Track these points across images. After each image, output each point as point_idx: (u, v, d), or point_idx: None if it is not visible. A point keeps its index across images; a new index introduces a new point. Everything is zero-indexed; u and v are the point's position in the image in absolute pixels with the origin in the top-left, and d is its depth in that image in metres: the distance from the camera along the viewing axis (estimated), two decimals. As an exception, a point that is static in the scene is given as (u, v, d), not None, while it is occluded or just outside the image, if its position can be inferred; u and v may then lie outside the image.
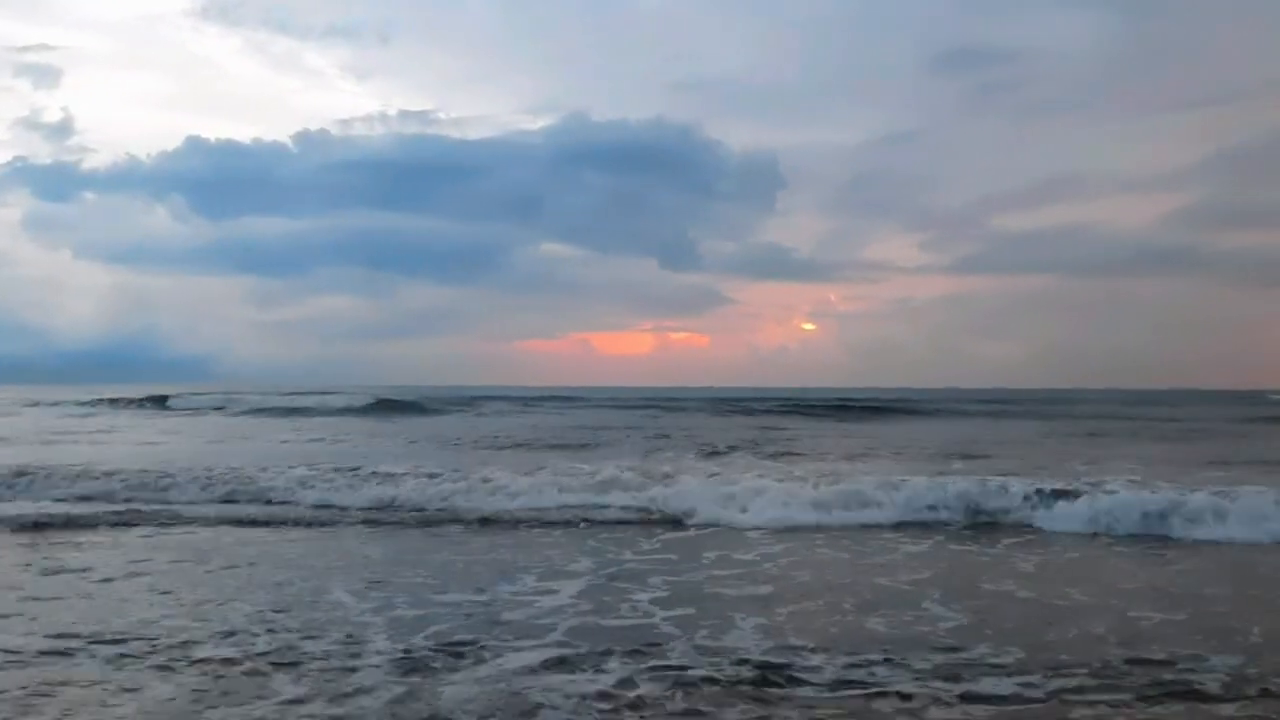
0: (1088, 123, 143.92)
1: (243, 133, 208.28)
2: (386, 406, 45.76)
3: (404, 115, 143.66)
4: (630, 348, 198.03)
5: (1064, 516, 12.18)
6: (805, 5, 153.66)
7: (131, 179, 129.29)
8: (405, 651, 6.40)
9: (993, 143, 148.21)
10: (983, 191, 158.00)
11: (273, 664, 6.15)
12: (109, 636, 6.75)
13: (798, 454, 22.36)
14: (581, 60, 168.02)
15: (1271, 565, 10.04)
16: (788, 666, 6.08)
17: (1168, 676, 5.93)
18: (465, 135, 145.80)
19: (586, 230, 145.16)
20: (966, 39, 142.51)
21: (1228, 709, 5.40)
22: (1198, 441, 27.58)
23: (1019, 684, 5.77)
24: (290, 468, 15.96)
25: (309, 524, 12.28)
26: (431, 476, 14.82)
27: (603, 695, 5.53)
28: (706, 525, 12.15)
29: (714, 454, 22.14)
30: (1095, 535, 11.58)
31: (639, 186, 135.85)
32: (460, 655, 6.34)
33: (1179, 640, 6.76)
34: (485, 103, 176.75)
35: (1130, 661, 6.26)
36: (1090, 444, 26.06)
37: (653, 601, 7.95)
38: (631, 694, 5.55)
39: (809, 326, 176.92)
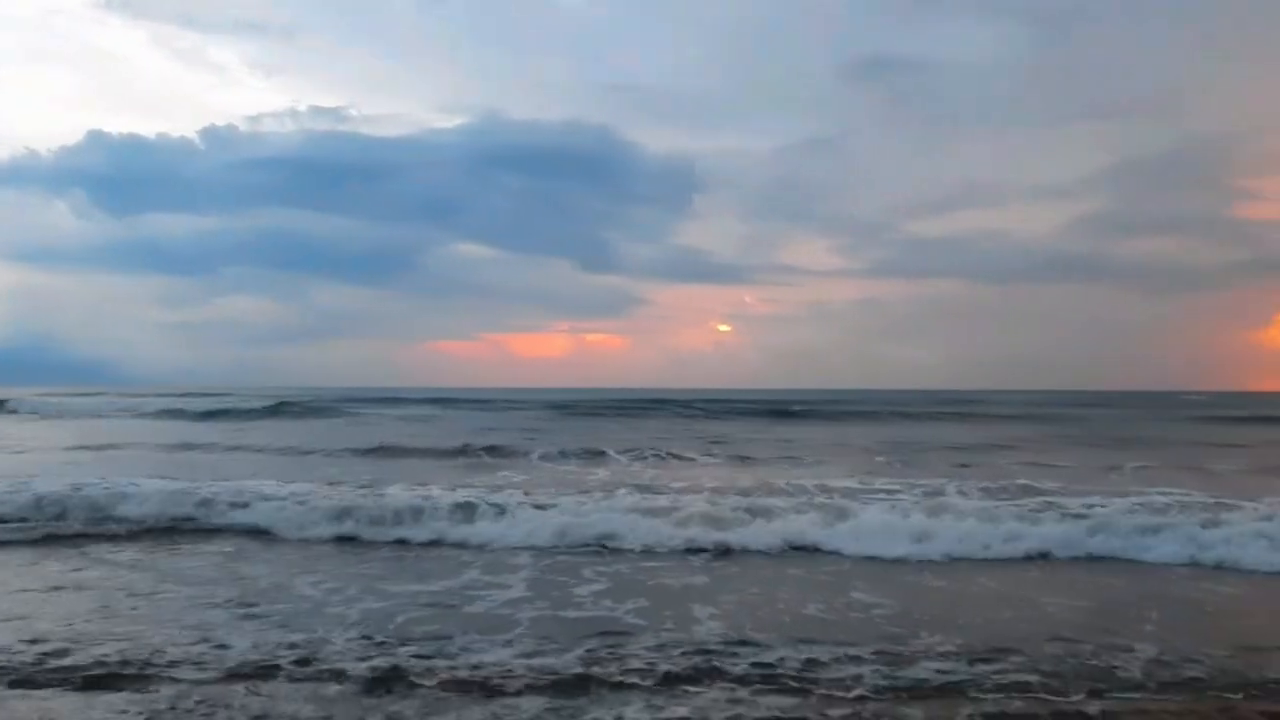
0: (995, 132, 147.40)
1: (147, 128, 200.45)
2: (281, 410, 43.31)
3: (315, 112, 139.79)
4: (545, 349, 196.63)
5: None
6: (722, 12, 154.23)
7: (30, 174, 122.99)
8: None
9: (905, 150, 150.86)
10: (895, 198, 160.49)
11: None
12: None
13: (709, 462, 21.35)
14: (497, 59, 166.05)
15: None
16: None
17: None
18: (378, 133, 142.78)
19: (502, 231, 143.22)
20: (879, 48, 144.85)
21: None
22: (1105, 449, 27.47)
23: None
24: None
25: None
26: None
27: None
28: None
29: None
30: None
31: (556, 188, 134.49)
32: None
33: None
34: (398, 101, 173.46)
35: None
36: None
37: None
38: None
39: (725, 329, 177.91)
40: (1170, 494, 14.11)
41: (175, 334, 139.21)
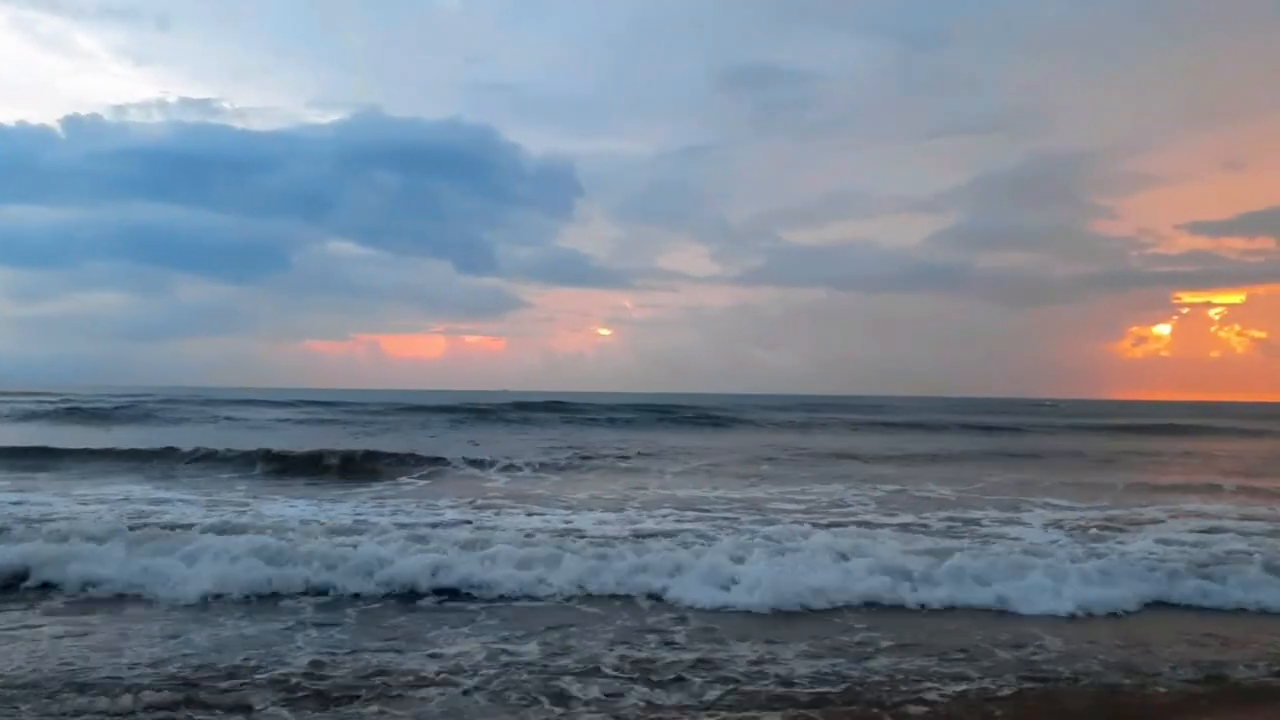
0: (864, 145, 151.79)
1: (6, 115, 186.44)
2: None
3: (184, 103, 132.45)
4: (421, 350, 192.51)
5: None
6: (603, 18, 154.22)
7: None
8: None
9: (779, 159, 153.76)
10: (769, 206, 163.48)
11: None
12: None
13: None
14: (375, 55, 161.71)
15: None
16: None
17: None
18: (250, 127, 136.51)
19: (378, 230, 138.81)
20: (755, 58, 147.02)
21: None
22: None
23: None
24: None
25: None
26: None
27: None
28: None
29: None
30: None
31: (434, 187, 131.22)
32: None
33: None
34: (272, 94, 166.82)
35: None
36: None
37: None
38: None
39: (605, 332, 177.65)
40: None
41: (29, 329, 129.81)
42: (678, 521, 12.37)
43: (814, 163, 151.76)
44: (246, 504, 13.77)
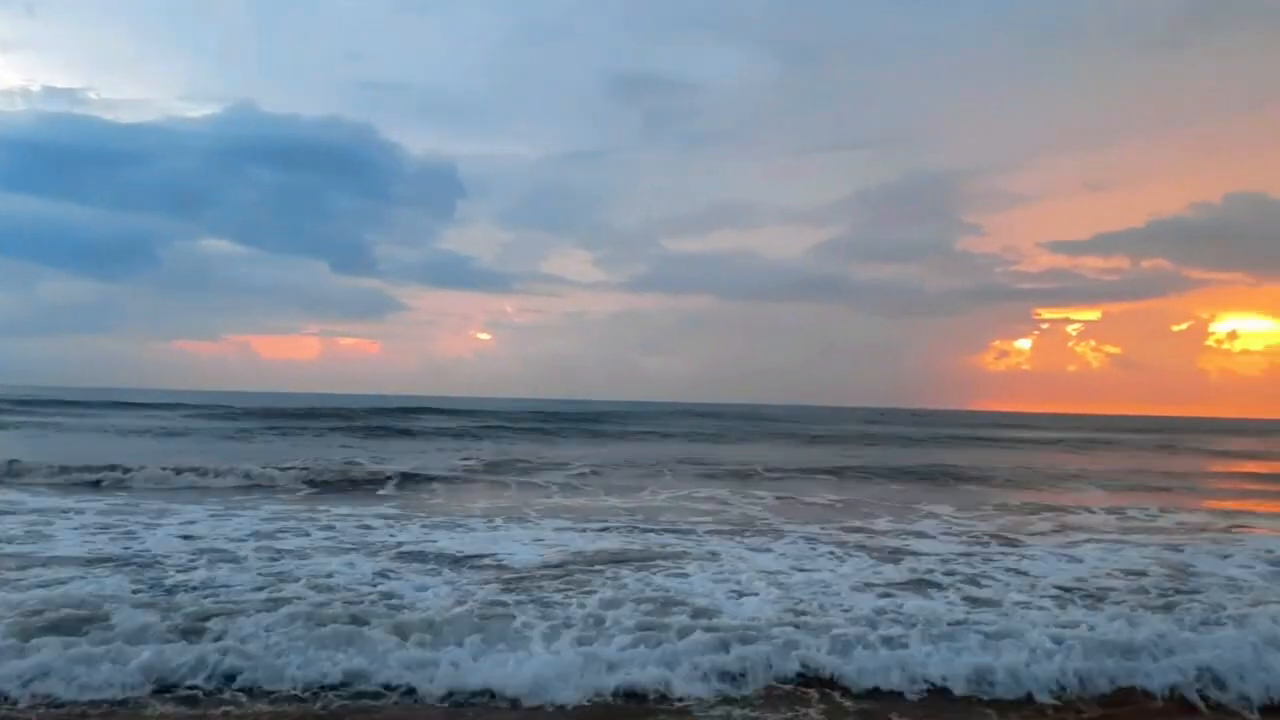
0: (749, 156, 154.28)
1: None
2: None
3: (49, 93, 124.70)
4: (295, 352, 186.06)
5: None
6: (487, 19, 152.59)
7: None
8: None
9: (664, 167, 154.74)
10: (655, 214, 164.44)
11: None
12: None
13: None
14: (252, 48, 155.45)
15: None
16: None
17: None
18: (119, 119, 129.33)
19: (253, 228, 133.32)
20: (641, 66, 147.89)
21: None
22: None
23: None
24: None
25: None
26: None
27: None
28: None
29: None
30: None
31: (311, 185, 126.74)
32: None
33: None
34: (143, 86, 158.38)
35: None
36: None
37: None
38: None
39: (485, 337, 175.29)
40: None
41: None
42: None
43: (699, 172, 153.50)
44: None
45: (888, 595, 8.92)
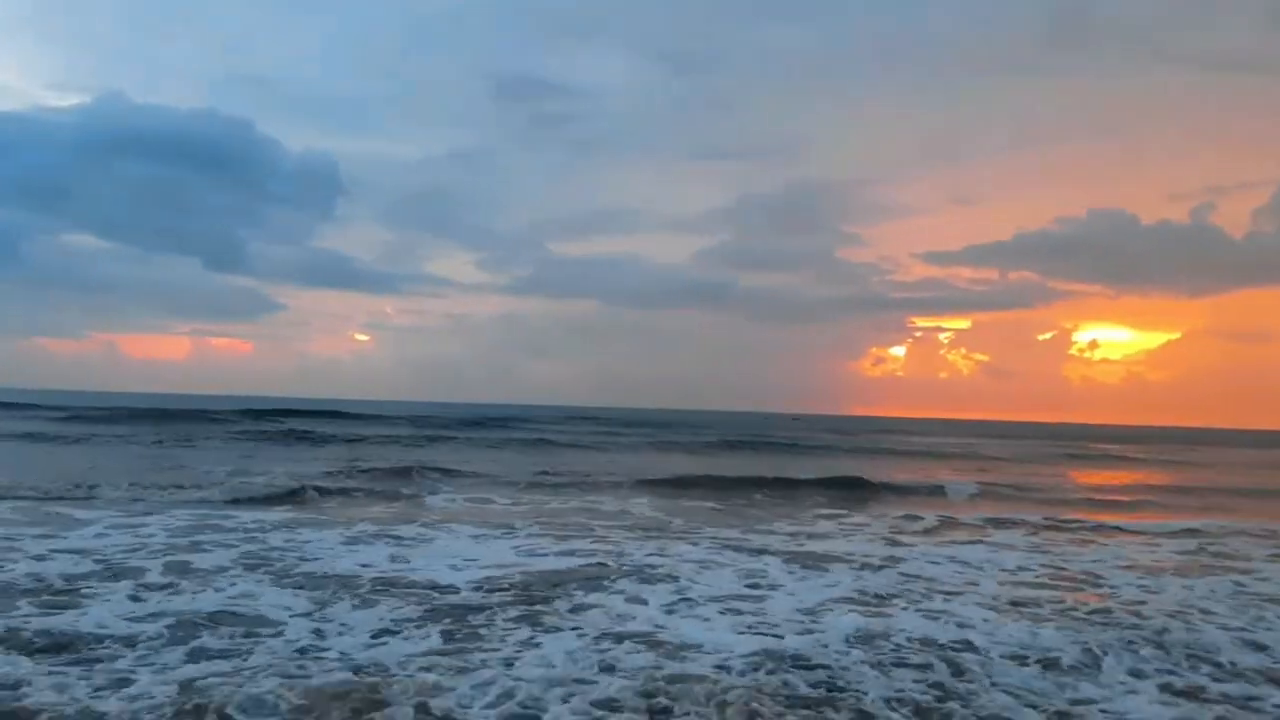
0: (633, 162, 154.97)
1: None
2: None
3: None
4: (163, 352, 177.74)
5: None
6: (372, 17, 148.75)
7: None
8: None
9: (549, 171, 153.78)
10: (539, 217, 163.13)
11: None
12: None
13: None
14: (124, 37, 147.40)
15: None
16: None
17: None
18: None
19: (120, 223, 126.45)
20: (527, 69, 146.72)
21: None
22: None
23: None
24: None
25: None
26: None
27: None
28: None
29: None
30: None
31: (184, 180, 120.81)
32: None
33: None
34: (7, 73, 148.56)
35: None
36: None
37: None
38: None
39: (363, 338, 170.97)
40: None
41: None
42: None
43: (584, 177, 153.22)
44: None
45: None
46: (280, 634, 7.45)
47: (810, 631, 8.00)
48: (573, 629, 7.85)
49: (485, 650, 7.12)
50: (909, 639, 7.74)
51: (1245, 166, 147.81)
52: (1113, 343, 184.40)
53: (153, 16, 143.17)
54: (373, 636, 7.47)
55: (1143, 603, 9.72)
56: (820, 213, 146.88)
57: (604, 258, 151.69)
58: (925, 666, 6.99)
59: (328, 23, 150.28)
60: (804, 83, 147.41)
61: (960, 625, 8.34)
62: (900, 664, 7.05)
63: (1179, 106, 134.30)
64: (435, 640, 7.42)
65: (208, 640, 7.19)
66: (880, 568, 11.54)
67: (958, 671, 6.91)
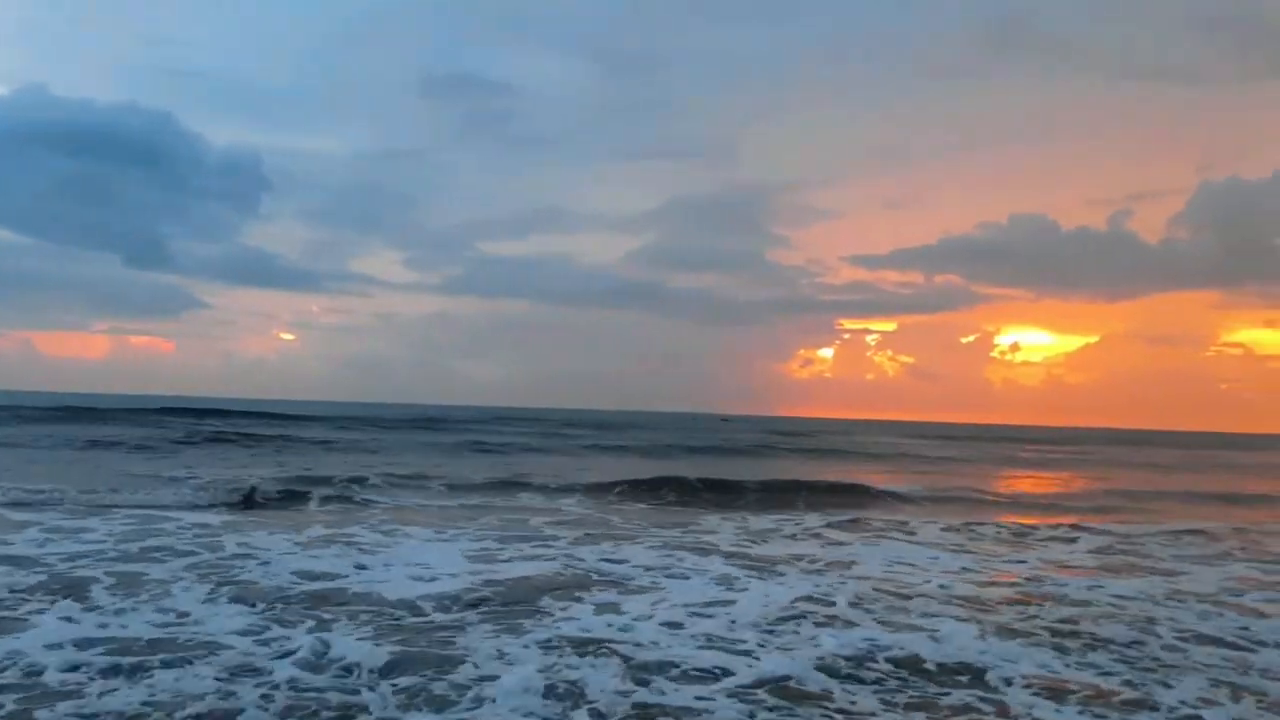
0: (567, 161, 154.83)
1: None
2: None
3: None
4: (81, 350, 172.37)
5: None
6: (301, 11, 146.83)
7: None
8: None
9: (481, 170, 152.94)
10: (471, 215, 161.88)
11: None
12: None
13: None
14: (43, 28, 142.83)
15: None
16: None
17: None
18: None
19: (38, 218, 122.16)
20: (460, 66, 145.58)
21: None
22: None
23: None
24: None
25: None
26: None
27: None
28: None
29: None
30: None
31: (104, 174, 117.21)
32: None
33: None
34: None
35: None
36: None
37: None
38: None
39: (289, 337, 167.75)
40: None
41: None
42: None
43: (517, 176, 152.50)
44: None
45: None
46: (229, 655, 7.20)
47: (790, 650, 7.85)
48: (538, 644, 7.81)
49: (448, 674, 7.04)
50: (886, 655, 7.73)
51: (1161, 174, 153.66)
52: (1034, 345, 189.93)
53: (75, 8, 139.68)
54: (324, 658, 7.15)
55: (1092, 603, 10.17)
56: (751, 215, 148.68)
57: (536, 257, 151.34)
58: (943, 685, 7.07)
59: (255, 16, 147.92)
60: (739, 85, 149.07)
61: (935, 640, 8.30)
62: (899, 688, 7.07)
63: (1099, 115, 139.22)
64: (393, 660, 7.25)
65: (149, 662, 7.03)
66: (828, 570, 11.87)
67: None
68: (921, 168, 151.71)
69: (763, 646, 7.89)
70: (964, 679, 7.08)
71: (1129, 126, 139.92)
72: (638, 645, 7.82)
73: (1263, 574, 12.61)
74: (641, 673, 7.03)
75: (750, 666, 7.28)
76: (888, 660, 7.52)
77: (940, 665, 7.41)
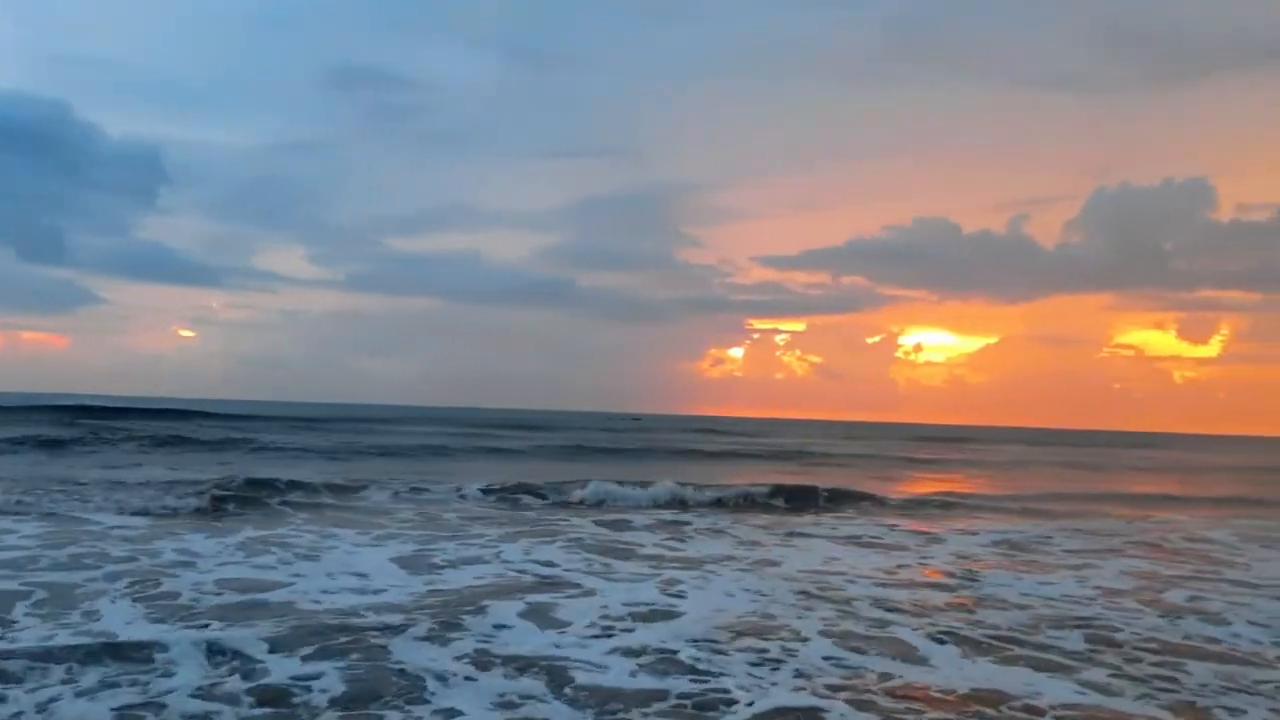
0: (476, 157, 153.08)
1: None
2: None
3: None
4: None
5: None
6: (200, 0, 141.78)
7: None
8: None
9: (389, 165, 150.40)
10: (377, 211, 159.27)
11: None
12: None
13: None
14: None
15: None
16: None
17: None
18: None
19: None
20: (367, 59, 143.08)
21: None
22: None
23: None
24: None
25: None
26: None
27: None
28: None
29: None
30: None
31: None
32: None
33: None
34: None
35: None
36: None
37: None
38: None
39: (189, 334, 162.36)
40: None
41: None
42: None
43: (425, 171, 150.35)
44: None
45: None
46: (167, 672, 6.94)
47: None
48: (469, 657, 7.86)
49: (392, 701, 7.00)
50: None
51: (1058, 180, 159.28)
52: (936, 346, 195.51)
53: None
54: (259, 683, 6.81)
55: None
56: (662, 214, 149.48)
57: (445, 254, 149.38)
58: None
59: (155, 3, 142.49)
60: (650, 85, 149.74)
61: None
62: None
63: (1000, 121, 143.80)
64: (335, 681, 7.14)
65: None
66: (752, 571, 12.13)
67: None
68: (830, 170, 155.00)
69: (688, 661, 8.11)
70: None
71: (1028, 133, 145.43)
72: (563, 659, 7.91)
73: (1163, 568, 13.35)
74: (577, 693, 7.09)
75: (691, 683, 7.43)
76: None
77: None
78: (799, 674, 7.27)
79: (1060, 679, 7.37)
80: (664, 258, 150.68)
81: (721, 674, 7.17)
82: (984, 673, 7.49)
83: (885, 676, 7.28)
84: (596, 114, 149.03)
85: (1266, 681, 7.50)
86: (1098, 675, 7.51)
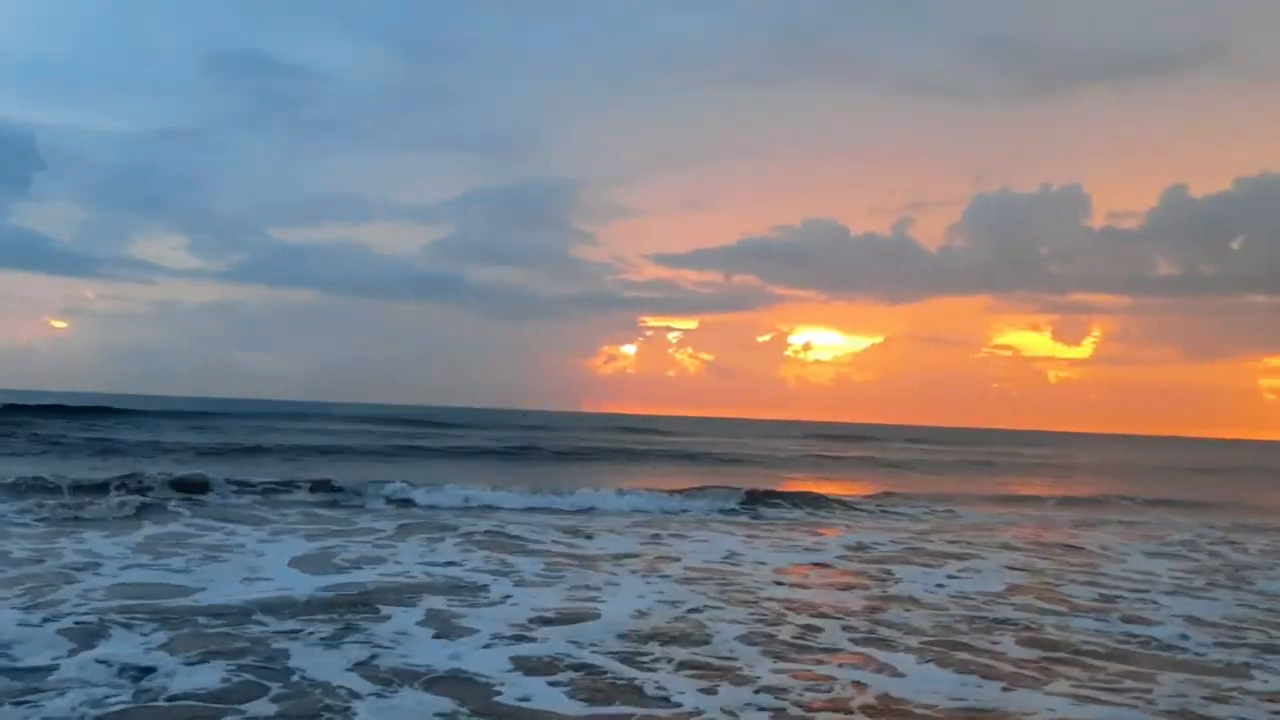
0: (362, 148, 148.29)
1: None
2: None
3: None
4: None
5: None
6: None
7: None
8: None
9: (271, 153, 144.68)
10: (259, 200, 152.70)
11: None
12: None
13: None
14: None
15: None
16: None
17: None
18: None
19: None
20: (251, 45, 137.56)
21: None
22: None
23: None
24: None
25: None
26: None
27: None
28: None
29: None
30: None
31: None
32: None
33: None
34: None
35: None
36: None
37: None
38: None
39: (61, 324, 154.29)
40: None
41: None
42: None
43: (309, 161, 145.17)
44: None
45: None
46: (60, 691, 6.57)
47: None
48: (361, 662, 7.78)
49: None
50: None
51: (940, 185, 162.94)
52: (824, 345, 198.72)
53: None
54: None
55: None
56: (554, 210, 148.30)
57: (329, 245, 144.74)
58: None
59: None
60: (543, 80, 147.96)
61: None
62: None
63: (884, 126, 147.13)
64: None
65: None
66: (657, 569, 12.25)
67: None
68: (722, 169, 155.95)
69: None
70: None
71: (912, 138, 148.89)
72: (473, 673, 7.89)
73: (1038, 559, 13.98)
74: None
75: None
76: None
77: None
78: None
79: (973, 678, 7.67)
80: (557, 253, 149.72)
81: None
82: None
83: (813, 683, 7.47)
84: (488, 108, 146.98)
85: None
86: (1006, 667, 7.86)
